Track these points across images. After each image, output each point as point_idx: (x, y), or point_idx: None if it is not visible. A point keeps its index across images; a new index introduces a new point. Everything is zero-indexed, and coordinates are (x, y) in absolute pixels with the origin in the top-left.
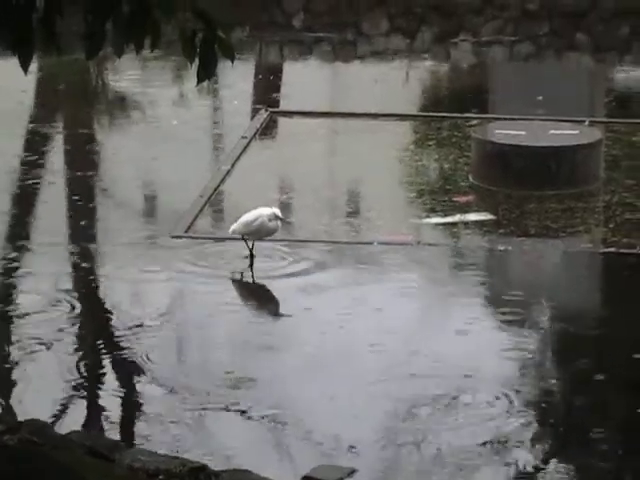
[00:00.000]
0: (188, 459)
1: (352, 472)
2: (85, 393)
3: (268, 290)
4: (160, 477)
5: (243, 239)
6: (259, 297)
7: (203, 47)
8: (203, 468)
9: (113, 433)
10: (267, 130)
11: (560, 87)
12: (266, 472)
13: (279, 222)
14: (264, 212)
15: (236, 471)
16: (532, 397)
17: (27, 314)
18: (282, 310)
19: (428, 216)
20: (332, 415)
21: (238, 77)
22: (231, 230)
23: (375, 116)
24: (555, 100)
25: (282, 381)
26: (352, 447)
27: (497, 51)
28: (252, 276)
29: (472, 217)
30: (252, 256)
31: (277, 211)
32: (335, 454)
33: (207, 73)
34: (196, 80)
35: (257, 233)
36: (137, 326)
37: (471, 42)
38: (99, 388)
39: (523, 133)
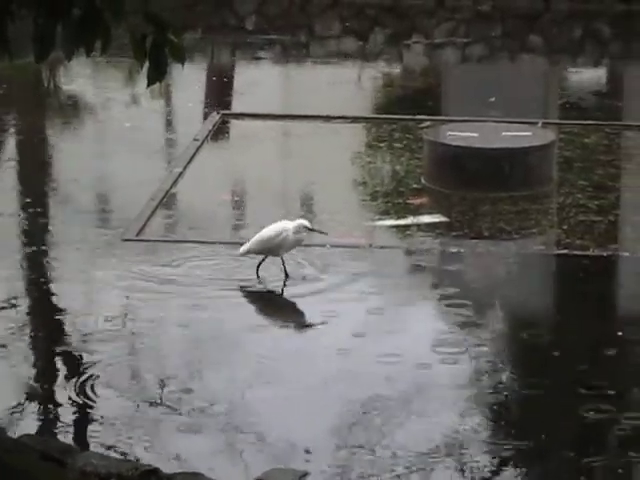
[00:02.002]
0: (140, 463)
1: (304, 475)
2: (37, 397)
3: (220, 293)
4: None
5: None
6: (211, 300)
7: (153, 50)
8: (155, 471)
9: (65, 437)
10: (219, 132)
11: (513, 89)
12: (218, 476)
13: (304, 234)
14: (287, 226)
15: (187, 474)
16: (486, 399)
17: None
18: (235, 313)
19: (381, 218)
20: (286, 419)
21: (192, 80)
22: (244, 250)
23: (327, 118)
24: (508, 102)
25: (235, 384)
26: (307, 451)
27: (450, 53)
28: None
29: (425, 219)
30: (286, 275)
31: (306, 222)
32: (288, 457)
33: (157, 75)
34: (147, 82)
35: (278, 249)
36: (89, 330)
37: (424, 44)
38: (51, 392)
39: (475, 135)
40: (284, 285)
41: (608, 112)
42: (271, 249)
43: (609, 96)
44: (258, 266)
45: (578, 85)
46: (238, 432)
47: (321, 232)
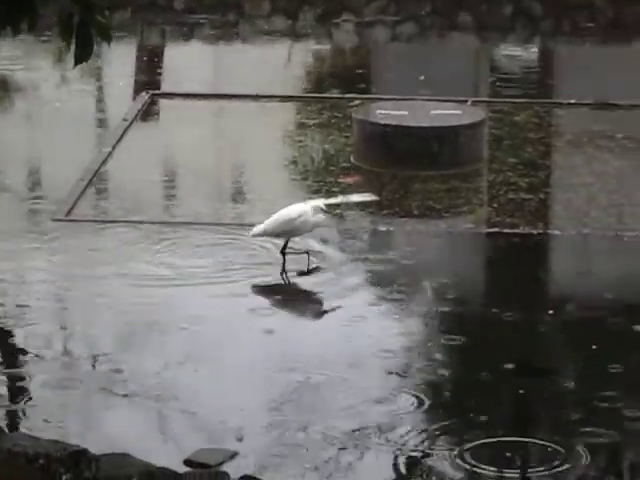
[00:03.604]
0: (68, 443)
1: (234, 455)
2: None
3: (153, 273)
4: (40, 462)
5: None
6: (143, 280)
7: (80, 29)
8: (83, 452)
9: None
10: (148, 112)
11: (443, 67)
12: (149, 456)
13: (322, 217)
14: (306, 208)
15: (116, 455)
16: (418, 380)
17: None
18: (165, 294)
19: (311, 197)
20: (218, 399)
21: (123, 59)
22: (259, 230)
23: (257, 98)
24: (438, 80)
25: (167, 365)
26: (238, 431)
27: (379, 31)
28: (286, 277)
29: (355, 198)
30: (285, 256)
31: (321, 204)
32: (220, 438)
33: (84, 55)
34: (74, 62)
35: (296, 232)
36: (18, 310)
37: (353, 22)
38: None
39: (405, 113)
40: (284, 269)
41: (538, 90)
42: (289, 231)
43: (540, 74)
44: (283, 251)
45: (508, 63)
46: (169, 413)
47: (336, 216)
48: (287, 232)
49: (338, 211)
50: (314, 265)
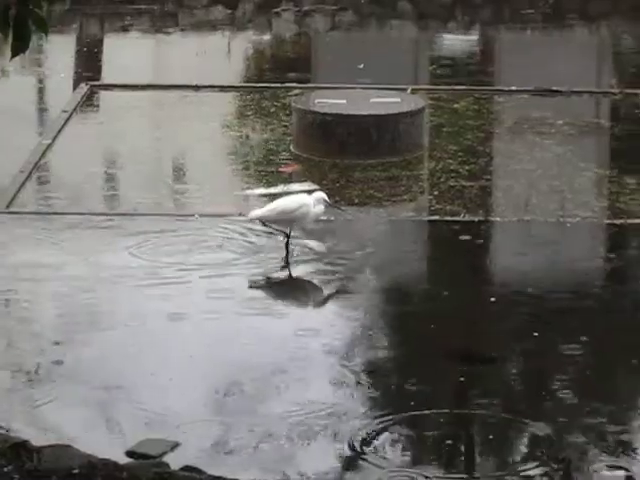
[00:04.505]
0: (9, 435)
1: (176, 446)
2: None
3: (92, 263)
4: None
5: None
6: (83, 271)
7: (16, 21)
8: (24, 444)
9: None
10: (88, 103)
11: (383, 55)
12: (92, 447)
13: (323, 207)
14: (307, 199)
15: (57, 446)
16: (360, 366)
17: None
18: (106, 286)
19: (250, 187)
20: (160, 391)
21: (62, 51)
22: (258, 215)
23: (197, 88)
24: (378, 68)
25: (109, 355)
26: (179, 421)
27: (319, 20)
28: (288, 264)
29: (295, 187)
30: (287, 247)
31: (324, 195)
32: (163, 428)
33: (21, 46)
34: (11, 53)
35: (296, 222)
36: None
37: (293, 12)
38: None
39: (344, 102)
40: (287, 259)
41: (478, 77)
42: (288, 221)
43: (480, 61)
44: (287, 243)
45: (448, 51)
46: (111, 404)
47: (339, 208)
48: (285, 221)
49: None
50: (296, 256)
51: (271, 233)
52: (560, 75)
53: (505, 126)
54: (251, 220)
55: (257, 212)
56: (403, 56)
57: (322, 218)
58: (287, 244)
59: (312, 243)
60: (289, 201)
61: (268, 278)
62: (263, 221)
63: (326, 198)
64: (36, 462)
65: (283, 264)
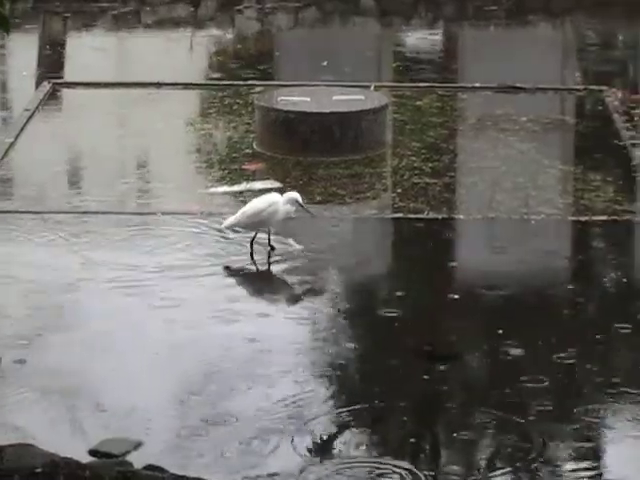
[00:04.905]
0: None
1: (139, 445)
2: None
3: (52, 262)
4: None
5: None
6: (45, 270)
7: None
8: None
9: None
10: (51, 101)
11: (346, 52)
12: (54, 446)
13: (293, 207)
14: (276, 198)
15: (20, 446)
16: (325, 365)
17: None
18: (68, 285)
19: (214, 185)
20: (123, 390)
21: (25, 49)
22: (231, 222)
23: (160, 85)
24: (341, 66)
25: (72, 353)
26: (144, 420)
27: (282, 17)
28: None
29: (258, 185)
30: (272, 248)
31: (297, 196)
32: (125, 428)
33: None
34: None
35: (266, 222)
36: None
37: (255, 9)
38: None
39: (308, 99)
40: (269, 258)
41: (442, 74)
42: (259, 222)
43: (443, 58)
44: (251, 243)
45: (411, 47)
46: (74, 403)
47: (309, 212)
48: (256, 223)
49: (241, 199)
50: (275, 256)
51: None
52: (524, 72)
53: (469, 123)
54: (226, 229)
55: (230, 220)
56: (366, 53)
57: (292, 217)
58: (252, 243)
59: (291, 241)
60: (258, 202)
61: (232, 277)
62: (237, 227)
63: (299, 200)
64: None
65: (249, 263)
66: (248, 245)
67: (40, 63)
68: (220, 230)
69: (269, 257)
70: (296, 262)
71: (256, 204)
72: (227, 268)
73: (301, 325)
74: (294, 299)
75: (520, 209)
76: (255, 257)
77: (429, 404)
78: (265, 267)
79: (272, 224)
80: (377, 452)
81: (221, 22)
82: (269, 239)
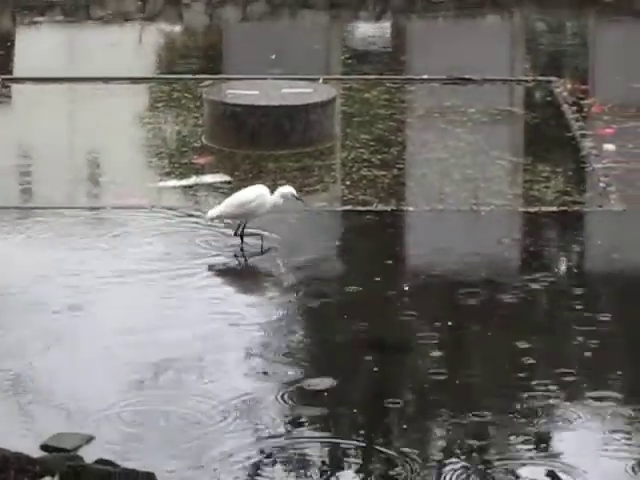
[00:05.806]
0: None
1: (90, 439)
2: None
3: (10, 258)
4: None
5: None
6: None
7: None
8: None
9: None
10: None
11: (295, 45)
12: (4, 441)
13: (281, 200)
14: (262, 190)
15: None
16: (277, 358)
17: None
18: (21, 279)
19: (163, 179)
20: (75, 383)
21: None
22: (216, 213)
23: (108, 80)
24: (289, 59)
25: (23, 349)
26: (93, 414)
27: (230, 11)
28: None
29: (208, 179)
30: (242, 238)
31: (292, 190)
32: (77, 422)
33: None
34: None
35: (252, 214)
36: None
37: (204, 2)
38: None
39: (256, 93)
40: (241, 250)
41: (390, 66)
42: (245, 214)
43: (392, 50)
44: (236, 232)
45: (360, 40)
46: (25, 397)
47: (302, 201)
48: (241, 215)
49: (191, 192)
50: (267, 247)
51: (196, 223)
52: (473, 63)
53: (417, 115)
54: (211, 220)
55: (214, 211)
56: (315, 46)
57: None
58: (242, 234)
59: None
60: (246, 193)
61: (185, 267)
62: (222, 218)
63: (294, 193)
64: None
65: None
66: (234, 235)
67: None
68: (169, 219)
69: (241, 251)
70: (246, 255)
71: (245, 195)
72: (181, 259)
73: (252, 317)
74: (244, 292)
75: (469, 200)
76: (211, 250)
77: (377, 395)
78: (214, 260)
79: (258, 216)
80: (330, 439)
81: (169, 16)
82: (242, 230)
